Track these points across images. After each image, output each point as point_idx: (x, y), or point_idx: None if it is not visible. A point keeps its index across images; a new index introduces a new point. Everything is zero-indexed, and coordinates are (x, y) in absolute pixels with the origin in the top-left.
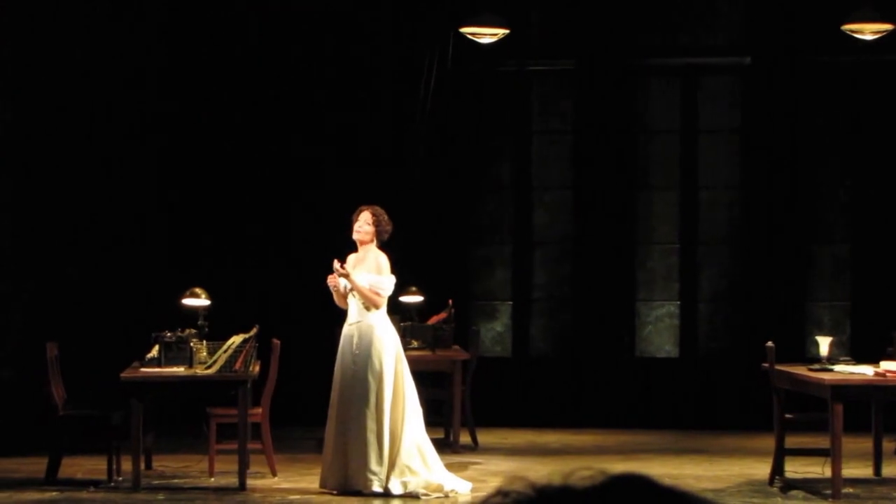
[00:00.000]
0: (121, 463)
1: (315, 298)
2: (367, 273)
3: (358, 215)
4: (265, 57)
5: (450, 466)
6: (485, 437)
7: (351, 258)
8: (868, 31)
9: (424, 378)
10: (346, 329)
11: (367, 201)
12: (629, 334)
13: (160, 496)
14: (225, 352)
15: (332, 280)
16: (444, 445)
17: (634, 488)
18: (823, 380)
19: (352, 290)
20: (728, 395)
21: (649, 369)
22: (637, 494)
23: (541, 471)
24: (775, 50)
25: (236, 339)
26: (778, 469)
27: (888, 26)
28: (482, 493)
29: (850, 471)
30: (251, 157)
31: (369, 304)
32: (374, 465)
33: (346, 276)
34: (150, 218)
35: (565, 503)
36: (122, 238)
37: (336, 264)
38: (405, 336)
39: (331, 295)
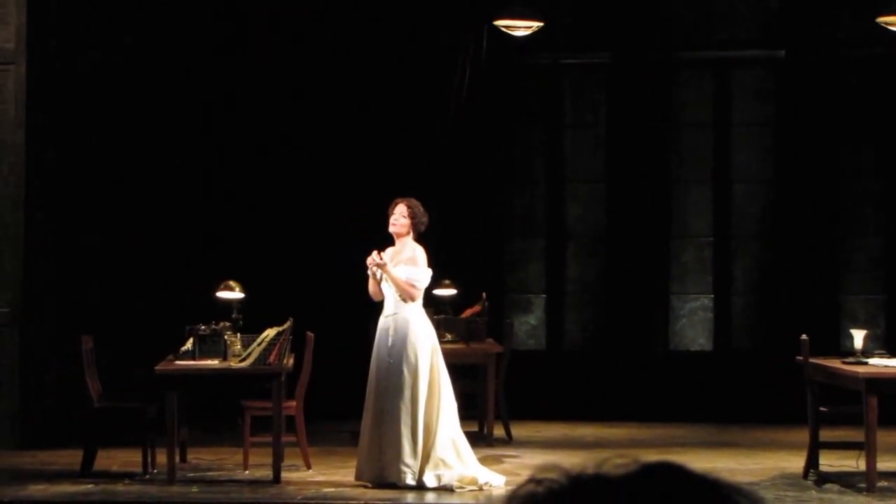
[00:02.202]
0: (156, 455)
1: (350, 291)
2: (404, 265)
3: (393, 208)
4: (298, 48)
5: (483, 460)
6: (518, 431)
7: (388, 251)
8: None
9: (458, 371)
10: (382, 321)
11: (401, 194)
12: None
13: (195, 489)
14: (259, 345)
15: (371, 262)
16: (477, 438)
17: (668, 476)
18: (858, 373)
19: (386, 278)
20: (762, 388)
21: (683, 363)
22: (671, 482)
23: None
24: (809, 43)
25: (270, 332)
26: (812, 462)
27: None
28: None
29: (885, 464)
30: (286, 149)
31: (405, 297)
32: (408, 458)
33: (383, 266)
34: (185, 211)
35: (599, 491)
36: (157, 231)
37: (374, 253)
38: (439, 329)
39: (366, 287)
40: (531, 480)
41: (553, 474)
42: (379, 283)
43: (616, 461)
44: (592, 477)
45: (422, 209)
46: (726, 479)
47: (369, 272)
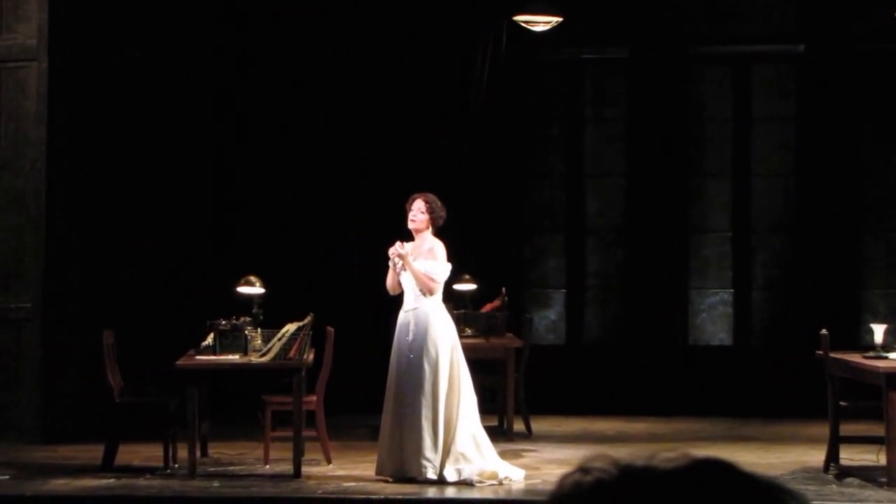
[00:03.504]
0: (177, 450)
1: (369, 286)
2: (423, 259)
3: (411, 204)
4: (316, 44)
5: (503, 454)
6: (538, 425)
7: (408, 245)
8: None
9: (478, 366)
10: (402, 316)
11: (421, 189)
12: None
13: (216, 483)
14: (279, 339)
15: (393, 251)
16: (497, 433)
17: (718, 473)
18: (878, 367)
19: (405, 268)
20: (782, 382)
21: (703, 357)
22: (721, 479)
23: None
24: (829, 37)
25: (291, 327)
26: (833, 456)
27: None
28: (535, 481)
29: None
30: (308, 145)
31: (424, 290)
32: (428, 453)
33: (404, 257)
34: (206, 206)
35: (648, 483)
36: (177, 227)
37: (397, 243)
38: (459, 324)
39: (385, 282)
40: (580, 469)
41: (602, 464)
42: (399, 275)
43: (665, 455)
44: (642, 469)
45: (439, 203)
46: (776, 479)
47: (390, 263)
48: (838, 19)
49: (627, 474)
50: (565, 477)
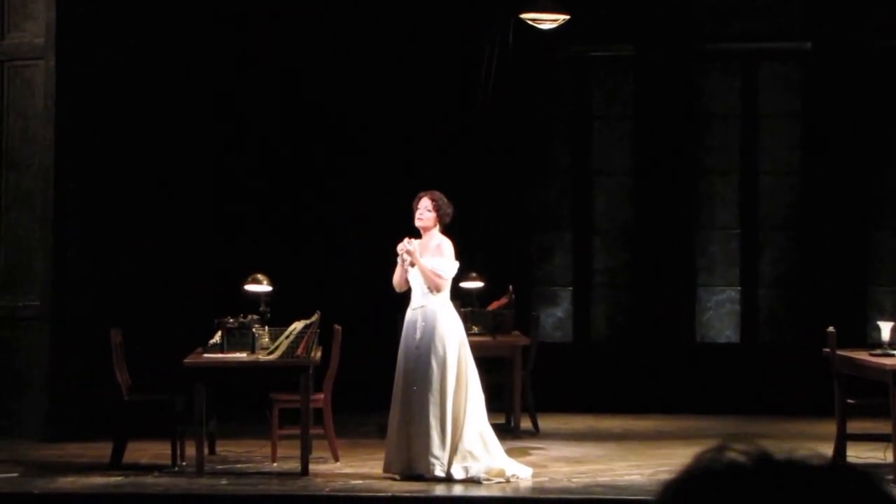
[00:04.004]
0: (185, 448)
1: (376, 284)
2: (430, 256)
3: (418, 202)
4: (318, 44)
5: (511, 452)
6: (546, 423)
7: (416, 243)
8: None
9: (485, 364)
10: (410, 314)
11: (427, 187)
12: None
13: (223, 481)
14: (287, 337)
15: (401, 247)
16: (505, 431)
17: (857, 482)
18: (885, 365)
19: (413, 264)
20: (789, 380)
21: (710, 355)
22: (858, 488)
23: (603, 456)
24: (836, 34)
25: (298, 325)
26: (840, 454)
27: None
28: (543, 479)
29: None
30: (315, 143)
31: (431, 287)
32: (436, 450)
33: (412, 253)
34: (213, 204)
35: (784, 475)
36: (185, 225)
37: (406, 239)
38: (466, 321)
39: (390, 280)
40: (718, 447)
41: (743, 447)
42: (406, 271)
43: (805, 452)
44: (781, 460)
45: (446, 201)
46: None
47: (398, 259)
48: (845, 16)
49: (765, 462)
50: (703, 452)
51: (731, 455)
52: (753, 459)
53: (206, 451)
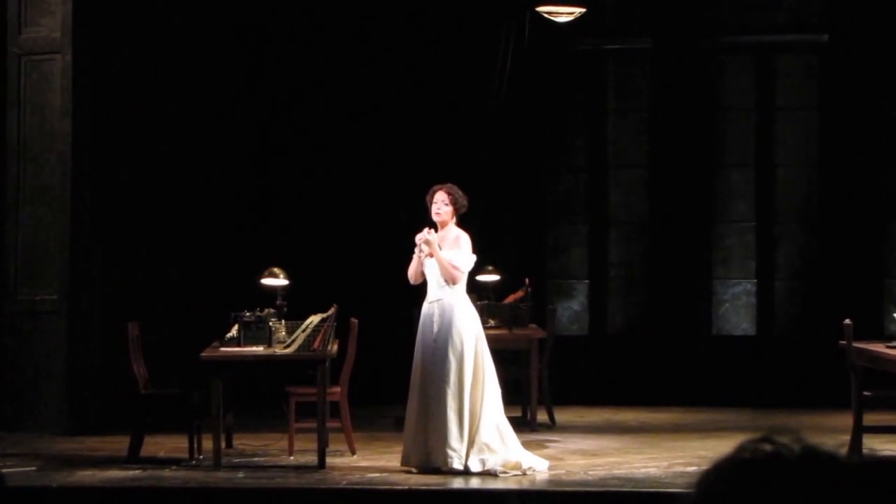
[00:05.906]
0: (202, 441)
1: (393, 278)
2: (448, 249)
3: (433, 196)
4: (337, 37)
5: (527, 444)
6: (562, 416)
7: (435, 235)
8: None
9: (501, 357)
10: (426, 307)
11: (443, 180)
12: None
13: (241, 474)
14: (303, 331)
15: (420, 237)
16: (521, 423)
17: None
18: None
19: (431, 255)
20: (805, 372)
21: (726, 347)
22: None
23: (619, 449)
24: (852, 27)
25: (314, 319)
26: (856, 446)
27: None
28: (559, 471)
29: None
30: (331, 136)
31: (448, 279)
32: (454, 443)
33: (431, 244)
34: (230, 198)
35: (827, 469)
36: (201, 218)
37: (425, 230)
38: (482, 314)
39: (407, 273)
40: (764, 438)
41: (788, 440)
42: (423, 263)
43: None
44: (825, 454)
45: (460, 192)
46: None
47: (416, 250)
48: (862, 8)
49: (809, 455)
50: (747, 441)
51: (776, 446)
52: (798, 452)
53: (223, 444)
